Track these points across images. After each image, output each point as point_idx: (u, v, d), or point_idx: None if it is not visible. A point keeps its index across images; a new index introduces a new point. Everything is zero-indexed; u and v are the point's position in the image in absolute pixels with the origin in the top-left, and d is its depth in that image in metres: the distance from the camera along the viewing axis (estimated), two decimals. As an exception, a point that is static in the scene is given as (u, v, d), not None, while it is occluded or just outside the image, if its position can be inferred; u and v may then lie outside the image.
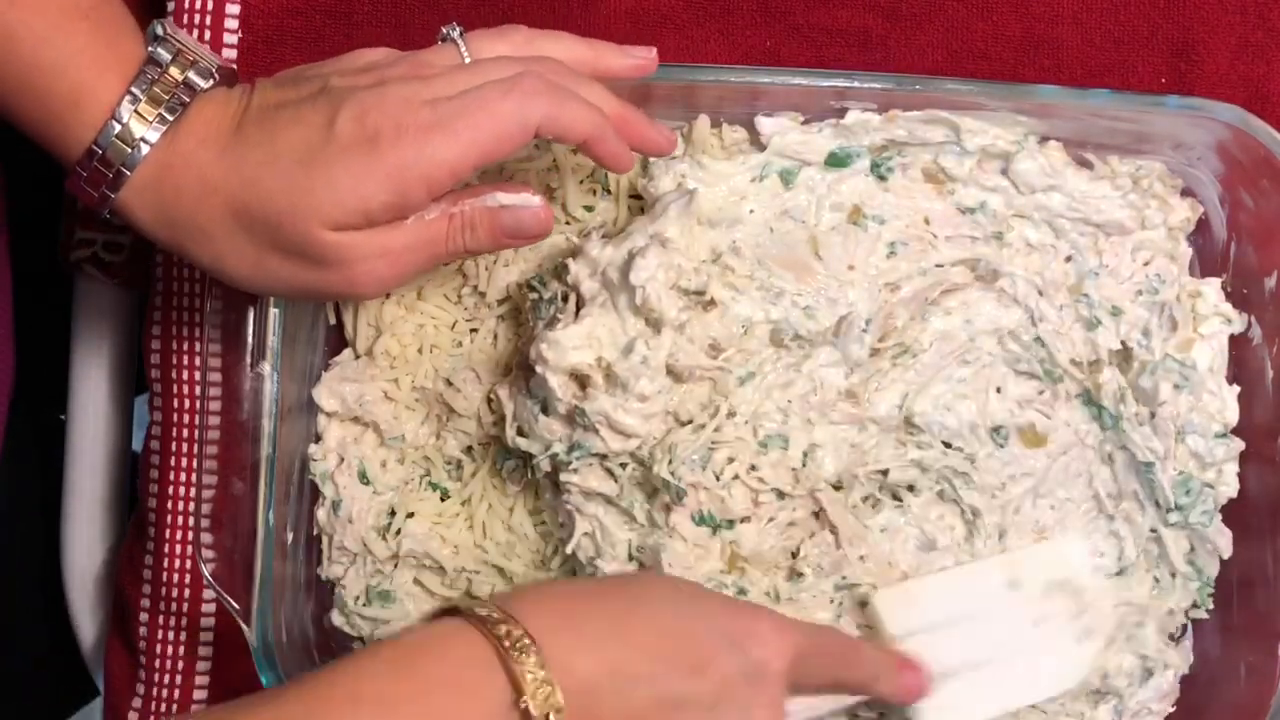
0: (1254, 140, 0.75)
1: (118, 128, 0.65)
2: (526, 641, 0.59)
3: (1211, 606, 0.80)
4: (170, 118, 0.65)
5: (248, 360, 0.74)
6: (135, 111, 0.65)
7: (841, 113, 0.77)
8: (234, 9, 0.81)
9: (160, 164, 0.65)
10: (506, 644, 0.59)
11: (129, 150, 0.65)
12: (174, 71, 0.66)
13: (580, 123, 0.66)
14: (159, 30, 0.67)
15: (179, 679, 0.84)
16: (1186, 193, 0.79)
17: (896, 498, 0.78)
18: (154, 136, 0.65)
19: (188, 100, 0.66)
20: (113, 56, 0.66)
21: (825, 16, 0.82)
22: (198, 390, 0.82)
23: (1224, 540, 0.79)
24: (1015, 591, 0.77)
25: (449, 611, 0.62)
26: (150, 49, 0.67)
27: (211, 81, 0.67)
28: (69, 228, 0.86)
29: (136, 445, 0.88)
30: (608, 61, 0.71)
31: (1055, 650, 0.77)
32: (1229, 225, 0.79)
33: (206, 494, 0.74)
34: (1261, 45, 0.82)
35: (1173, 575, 0.80)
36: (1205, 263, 0.80)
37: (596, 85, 0.69)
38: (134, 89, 0.65)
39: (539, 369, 0.72)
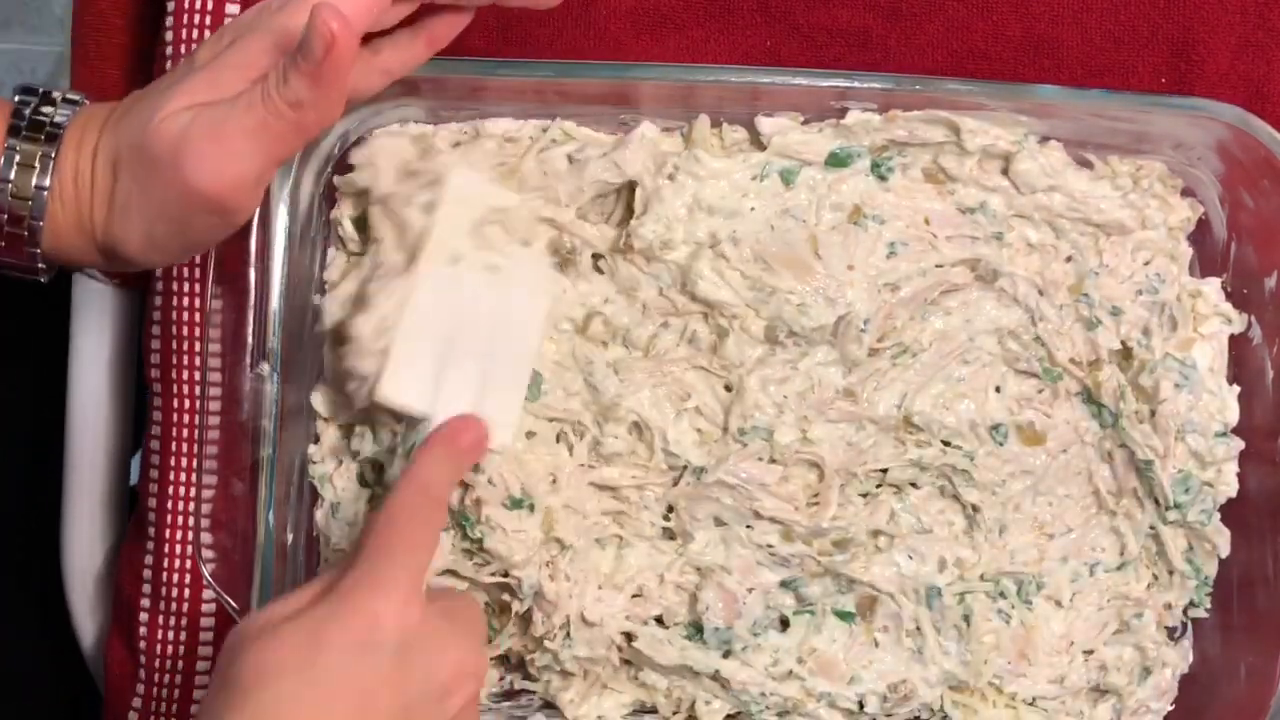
0: (1254, 140, 0.75)
1: (9, 186, 0.65)
2: None
3: (1210, 606, 0.80)
4: (52, 153, 0.65)
5: (248, 360, 0.74)
6: (18, 164, 0.65)
7: (842, 113, 0.77)
8: (233, 9, 0.82)
9: (59, 195, 0.65)
10: None
11: (29, 201, 0.65)
12: (43, 110, 0.66)
13: None
14: (23, 89, 0.67)
15: (179, 679, 0.84)
16: (1186, 193, 0.80)
17: (897, 490, 0.78)
18: (46, 180, 0.65)
19: (63, 125, 0.66)
20: None
21: (825, 16, 0.82)
22: (198, 390, 0.82)
23: (1223, 539, 0.79)
24: (457, 265, 0.74)
25: None
26: (16, 106, 0.66)
27: (82, 104, 0.67)
28: (69, 228, 0.86)
29: (136, 445, 0.88)
30: None
31: (521, 279, 0.75)
32: (1229, 225, 0.79)
33: (206, 494, 0.74)
34: (1261, 45, 0.82)
35: (1170, 573, 0.80)
36: (1205, 263, 0.80)
37: None
38: (9, 143, 0.65)
39: None
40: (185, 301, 0.83)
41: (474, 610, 0.66)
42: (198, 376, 0.82)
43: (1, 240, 0.66)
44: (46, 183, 0.65)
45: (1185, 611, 0.81)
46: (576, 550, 0.77)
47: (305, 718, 0.59)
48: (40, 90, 0.67)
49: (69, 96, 0.67)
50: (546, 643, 0.77)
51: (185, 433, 0.83)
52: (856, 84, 0.75)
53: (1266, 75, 0.82)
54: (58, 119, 0.66)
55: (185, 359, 0.83)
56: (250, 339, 0.73)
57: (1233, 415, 0.79)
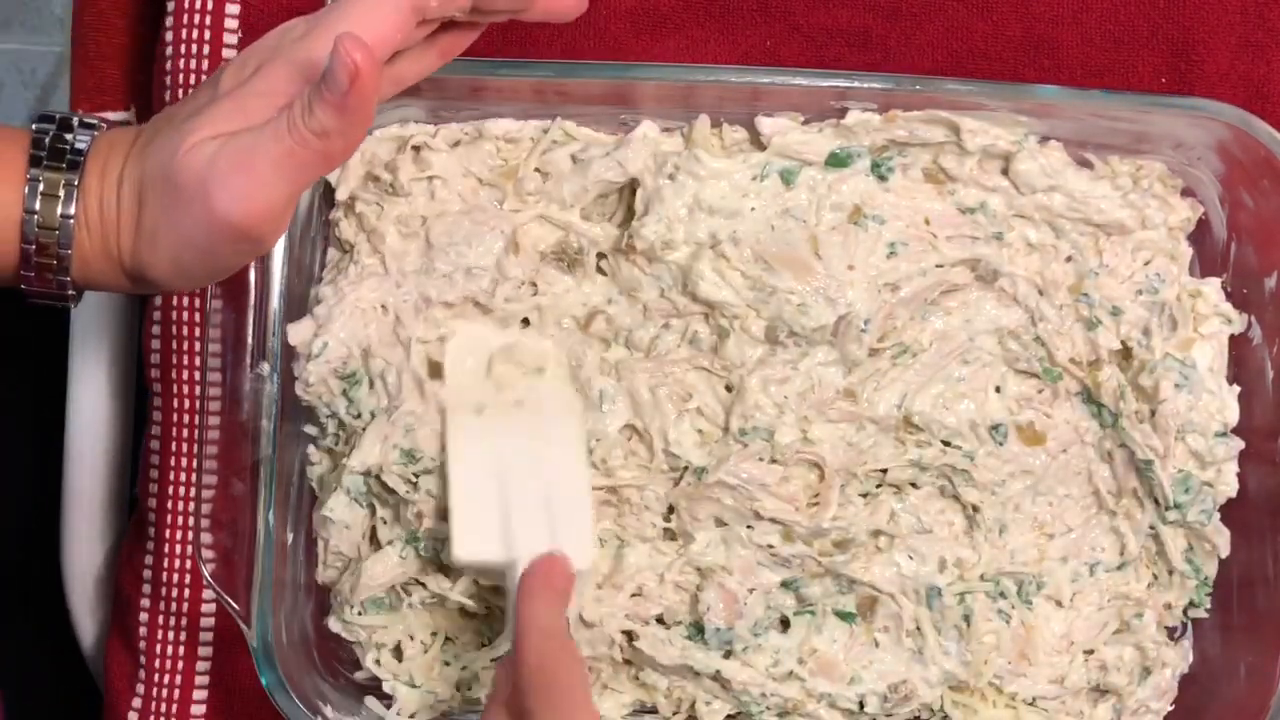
0: (1254, 140, 0.75)
1: (36, 217, 0.64)
2: None
3: (1211, 606, 0.80)
4: (75, 180, 0.65)
5: (248, 360, 0.74)
6: (42, 194, 0.64)
7: (842, 113, 0.77)
8: (234, 9, 0.82)
9: (84, 223, 0.65)
10: None
11: (56, 230, 0.64)
12: (60, 136, 0.66)
13: None
14: (40, 116, 0.67)
15: (179, 679, 0.84)
16: (1186, 193, 0.80)
17: (897, 490, 0.78)
18: (71, 209, 0.65)
19: (84, 150, 0.65)
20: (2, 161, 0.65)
21: (825, 16, 0.82)
22: (198, 390, 0.82)
23: (1222, 539, 0.79)
24: (484, 414, 0.76)
25: None
26: (33, 134, 0.66)
27: (100, 127, 0.67)
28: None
29: (137, 445, 0.88)
30: None
31: (548, 405, 0.77)
32: (1229, 225, 0.79)
33: (206, 494, 0.74)
34: (1261, 45, 0.82)
35: (1170, 573, 0.80)
36: (1205, 263, 0.80)
37: None
38: (31, 173, 0.65)
39: None
40: (185, 301, 0.83)
41: None
42: (198, 376, 0.82)
43: (30, 270, 0.65)
44: (72, 211, 0.65)
45: (1185, 611, 0.81)
46: None
47: None
48: (57, 116, 0.67)
49: (86, 121, 0.67)
50: None
51: (185, 433, 0.83)
52: (856, 84, 0.75)
53: (1266, 75, 0.82)
54: (78, 145, 0.66)
55: (185, 359, 0.83)
56: (250, 339, 0.73)
57: (1233, 415, 0.79)
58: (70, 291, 0.67)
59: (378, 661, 0.79)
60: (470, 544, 0.73)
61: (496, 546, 0.73)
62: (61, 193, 0.64)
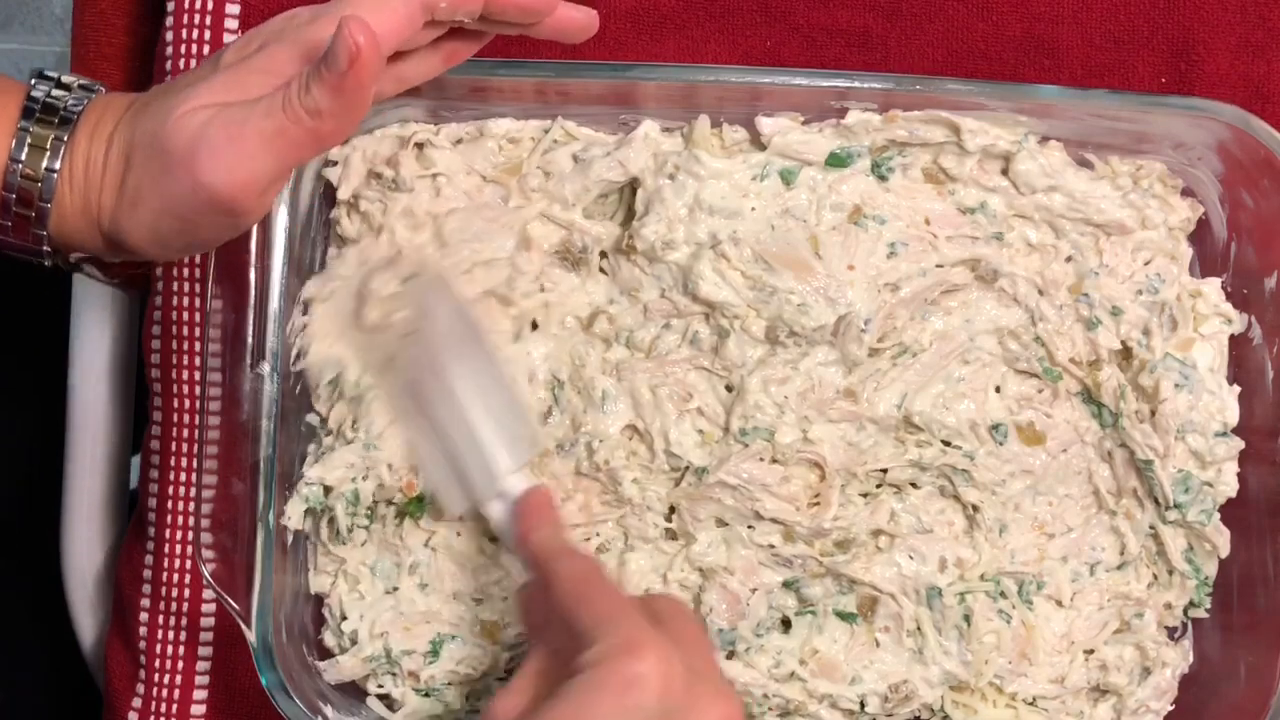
0: (1254, 140, 0.75)
1: (19, 167, 0.65)
2: None
3: (1211, 606, 0.80)
4: (65, 137, 0.65)
5: (248, 360, 0.74)
6: (30, 146, 0.65)
7: (842, 113, 0.77)
8: (234, 9, 0.82)
9: (69, 179, 0.66)
10: None
11: (38, 183, 0.65)
12: (57, 94, 0.66)
13: None
14: (39, 74, 0.67)
15: (179, 679, 0.84)
16: (1187, 193, 0.80)
17: (897, 490, 0.78)
18: (57, 163, 0.65)
19: (78, 110, 0.66)
20: None
21: (825, 16, 0.82)
22: (198, 390, 0.82)
23: (1222, 539, 0.79)
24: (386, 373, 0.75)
25: None
26: (30, 90, 0.67)
27: (98, 92, 0.67)
28: (69, 228, 0.86)
29: (137, 445, 0.88)
30: None
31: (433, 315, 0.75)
32: (1229, 225, 0.79)
33: (206, 494, 0.74)
34: (1261, 45, 0.82)
35: (1170, 573, 0.80)
36: (1205, 263, 0.80)
37: None
38: (22, 124, 0.65)
39: None
40: (185, 301, 0.83)
41: (708, 650, 0.67)
42: (198, 376, 0.82)
43: (8, 220, 0.66)
44: (57, 165, 0.65)
45: (1185, 611, 0.81)
46: None
47: None
48: (56, 76, 0.67)
49: (84, 83, 0.67)
50: None
51: (185, 433, 0.83)
52: (856, 84, 0.75)
53: (1266, 75, 0.82)
54: (71, 104, 0.66)
55: (185, 359, 0.83)
56: (250, 339, 0.73)
57: (1233, 415, 0.79)
58: (45, 248, 0.67)
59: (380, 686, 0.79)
60: (452, 505, 0.73)
61: (459, 496, 0.72)
62: (49, 146, 0.65)
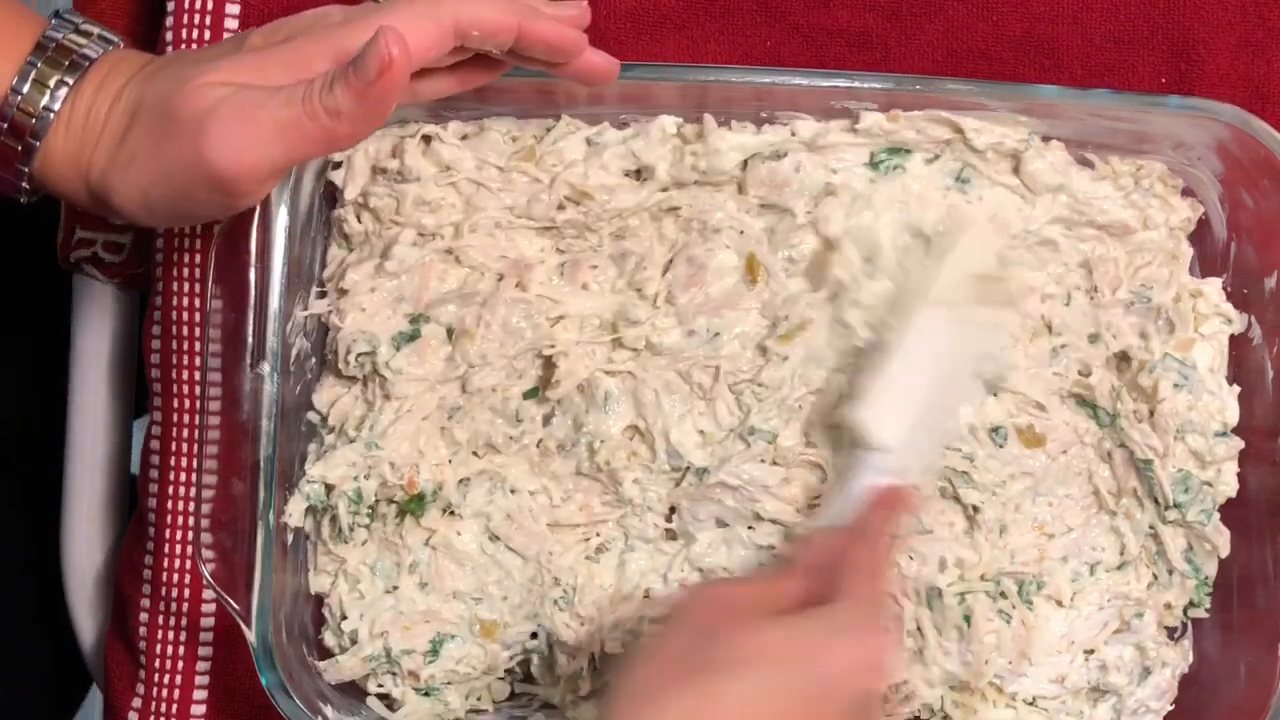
0: (1254, 140, 0.75)
1: (18, 99, 0.65)
2: None
3: (1210, 606, 0.80)
4: (70, 81, 0.65)
5: (248, 360, 0.74)
6: (33, 80, 0.65)
7: (843, 113, 0.77)
8: (234, 9, 0.81)
9: (66, 122, 0.66)
10: None
11: (33, 119, 0.65)
12: (73, 38, 0.66)
13: (498, 9, 0.66)
14: (59, 14, 0.67)
15: (179, 679, 0.84)
16: (1187, 193, 0.80)
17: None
18: (57, 104, 0.65)
19: (92, 58, 0.66)
20: (7, 40, 0.66)
21: (825, 16, 0.82)
22: (198, 390, 0.82)
23: (1222, 539, 0.79)
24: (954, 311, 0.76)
25: None
26: (49, 28, 0.67)
27: (115, 46, 0.67)
28: (69, 227, 0.86)
29: (137, 446, 0.88)
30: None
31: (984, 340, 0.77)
32: (1229, 225, 0.79)
33: (206, 494, 0.74)
34: (1261, 45, 0.82)
35: (1170, 573, 0.80)
36: (1205, 263, 0.80)
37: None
38: (30, 58, 0.65)
39: None
40: (185, 301, 0.83)
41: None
42: (198, 376, 0.82)
43: None
44: (57, 107, 0.65)
45: (1185, 611, 0.81)
46: (578, 586, 0.77)
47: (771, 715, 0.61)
48: (77, 21, 0.67)
49: (103, 34, 0.67)
50: (579, 681, 0.77)
51: (185, 433, 0.83)
52: (858, 84, 0.75)
53: (1266, 75, 0.82)
54: (86, 50, 0.66)
55: (185, 359, 0.83)
56: (250, 339, 0.73)
57: (1232, 415, 0.79)
58: (25, 185, 0.67)
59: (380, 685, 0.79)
60: (882, 420, 0.73)
61: (894, 433, 0.73)
62: (52, 84, 0.65)
